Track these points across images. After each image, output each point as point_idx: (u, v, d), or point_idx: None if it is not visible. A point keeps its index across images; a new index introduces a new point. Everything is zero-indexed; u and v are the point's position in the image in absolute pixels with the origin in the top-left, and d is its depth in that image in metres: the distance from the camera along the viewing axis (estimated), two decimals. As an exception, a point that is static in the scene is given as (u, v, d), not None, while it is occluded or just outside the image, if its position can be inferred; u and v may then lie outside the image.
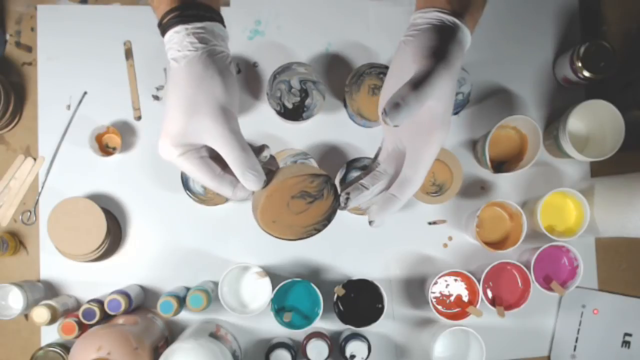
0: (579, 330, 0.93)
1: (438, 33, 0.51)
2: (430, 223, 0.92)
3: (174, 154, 0.50)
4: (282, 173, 0.52)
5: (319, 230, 0.54)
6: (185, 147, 0.50)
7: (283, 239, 0.54)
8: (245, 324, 0.90)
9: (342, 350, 0.84)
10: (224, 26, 0.53)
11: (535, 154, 0.85)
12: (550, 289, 0.86)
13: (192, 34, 0.50)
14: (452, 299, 0.89)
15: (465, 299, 0.89)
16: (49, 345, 0.81)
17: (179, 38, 0.50)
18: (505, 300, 0.88)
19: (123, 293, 0.81)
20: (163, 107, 0.51)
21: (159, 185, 0.90)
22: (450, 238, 0.92)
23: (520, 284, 0.88)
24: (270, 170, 0.53)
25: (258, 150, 0.53)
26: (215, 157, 0.52)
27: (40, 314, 0.79)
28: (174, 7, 0.50)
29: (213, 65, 0.50)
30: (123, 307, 0.80)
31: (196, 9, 0.51)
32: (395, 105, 0.47)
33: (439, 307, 0.88)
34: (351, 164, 0.86)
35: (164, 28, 0.51)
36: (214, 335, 0.81)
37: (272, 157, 0.54)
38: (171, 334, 0.89)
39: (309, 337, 0.86)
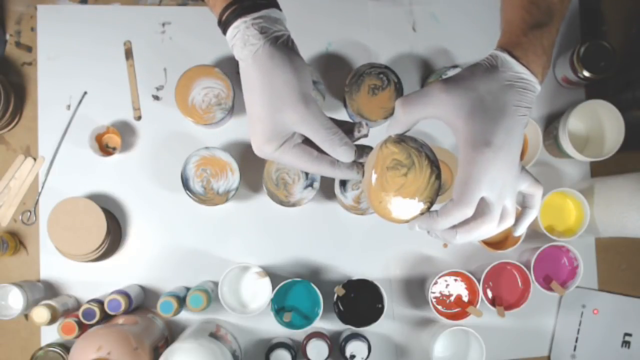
0: (579, 330, 0.93)
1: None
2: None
3: (269, 150, 0.51)
4: (373, 150, 0.52)
5: (422, 213, 0.50)
6: (279, 141, 0.50)
7: (392, 221, 0.51)
8: (245, 324, 0.90)
9: (342, 350, 0.84)
10: (279, 8, 0.52)
11: (535, 154, 0.85)
12: (550, 289, 0.86)
13: (251, 25, 0.49)
14: (452, 299, 0.89)
15: (465, 299, 0.89)
16: (49, 345, 0.81)
17: (240, 33, 0.49)
18: (505, 300, 0.88)
19: (123, 293, 0.81)
20: (246, 108, 0.52)
21: (159, 185, 0.90)
22: (450, 238, 0.92)
23: (520, 284, 0.88)
24: (364, 148, 0.53)
25: (352, 127, 0.53)
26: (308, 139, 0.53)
27: (40, 314, 0.79)
28: (231, 1, 0.50)
29: (279, 53, 0.49)
30: (123, 307, 0.79)
31: None
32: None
33: (439, 307, 0.88)
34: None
35: (224, 26, 0.51)
36: (214, 335, 0.81)
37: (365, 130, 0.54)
38: (171, 334, 0.88)
39: (309, 337, 0.86)
